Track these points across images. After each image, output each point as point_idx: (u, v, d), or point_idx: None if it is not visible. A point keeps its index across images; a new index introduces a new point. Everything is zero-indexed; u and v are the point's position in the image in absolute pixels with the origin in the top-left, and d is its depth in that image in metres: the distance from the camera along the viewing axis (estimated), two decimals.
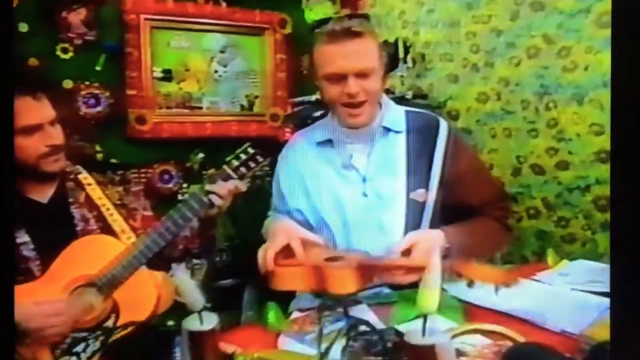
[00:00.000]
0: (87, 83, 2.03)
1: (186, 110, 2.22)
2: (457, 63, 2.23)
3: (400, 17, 2.43)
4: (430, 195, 1.12)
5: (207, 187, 1.08)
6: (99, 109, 2.05)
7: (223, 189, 1.07)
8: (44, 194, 1.15)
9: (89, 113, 2.04)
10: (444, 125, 1.18)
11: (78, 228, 1.11)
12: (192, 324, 0.70)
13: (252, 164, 1.10)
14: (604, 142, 1.77)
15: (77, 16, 2.01)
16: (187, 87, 2.22)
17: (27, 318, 0.90)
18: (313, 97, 2.05)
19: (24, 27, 1.94)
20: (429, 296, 0.58)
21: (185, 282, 0.70)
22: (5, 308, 0.61)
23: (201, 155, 2.23)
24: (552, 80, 1.89)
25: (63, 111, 1.25)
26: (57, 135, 1.11)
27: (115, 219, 1.12)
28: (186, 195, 2.20)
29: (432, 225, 1.13)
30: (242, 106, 2.35)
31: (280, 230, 1.02)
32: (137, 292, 1.00)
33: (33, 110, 1.06)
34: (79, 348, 0.89)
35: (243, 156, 1.11)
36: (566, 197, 1.86)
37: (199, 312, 0.70)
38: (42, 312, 0.92)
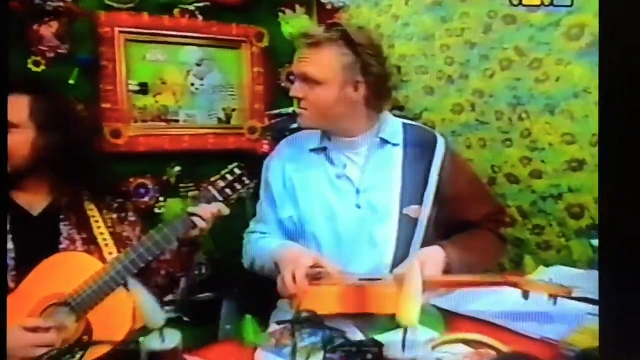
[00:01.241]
0: None
1: (163, 124, 2.18)
2: (432, 75, 2.26)
3: (376, 29, 2.46)
4: (425, 212, 1.11)
5: (190, 209, 1.05)
6: None
7: (207, 212, 1.05)
8: (36, 206, 1.10)
9: None
10: (441, 141, 1.19)
11: (62, 246, 1.07)
12: (153, 342, 0.66)
13: (238, 186, 1.08)
14: (576, 151, 1.80)
15: (48, 29, 1.96)
16: (164, 101, 2.19)
17: (16, 346, 0.85)
18: (290, 110, 2.04)
19: None
20: (410, 309, 0.56)
21: (143, 297, 0.66)
22: None
23: (178, 168, 2.19)
24: (524, 91, 1.93)
25: None
26: None
27: (107, 244, 1.08)
28: (164, 210, 2.15)
29: (424, 242, 1.12)
30: (219, 119, 2.32)
31: (298, 254, 0.99)
32: (112, 313, 0.96)
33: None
34: None
35: (229, 177, 1.09)
36: (540, 205, 1.88)
37: (160, 329, 0.66)
38: (32, 342, 0.87)
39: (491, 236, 1.17)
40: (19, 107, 1.09)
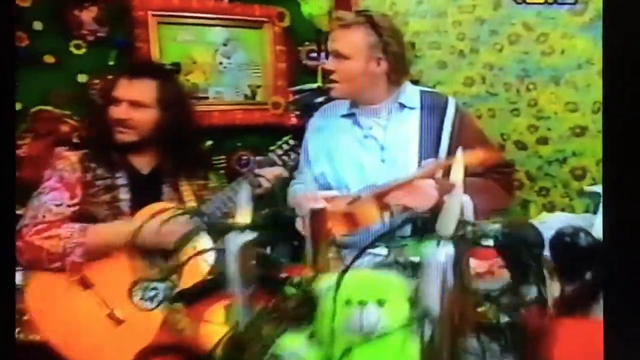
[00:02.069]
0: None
1: (193, 101, 2.33)
2: (444, 50, 2.39)
3: (391, 8, 2.57)
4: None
5: (257, 171, 1.24)
6: None
7: (270, 174, 1.23)
8: (145, 168, 1.37)
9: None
10: (452, 102, 1.36)
11: (162, 198, 1.29)
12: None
13: (292, 154, 1.27)
14: (578, 118, 1.95)
15: (88, 14, 2.10)
16: (194, 79, 2.33)
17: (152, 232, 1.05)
18: (315, 85, 2.19)
19: (38, 26, 2.02)
20: (448, 219, 0.61)
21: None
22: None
23: (209, 142, 2.35)
24: (531, 64, 2.07)
25: None
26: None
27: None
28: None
29: None
30: (245, 95, 2.47)
31: (305, 195, 1.17)
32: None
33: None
34: (151, 293, 1.03)
35: (285, 146, 1.27)
36: (546, 169, 2.05)
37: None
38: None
39: (494, 184, 1.33)
40: (148, 90, 1.29)
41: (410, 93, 1.41)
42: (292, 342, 0.48)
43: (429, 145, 1.31)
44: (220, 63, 2.39)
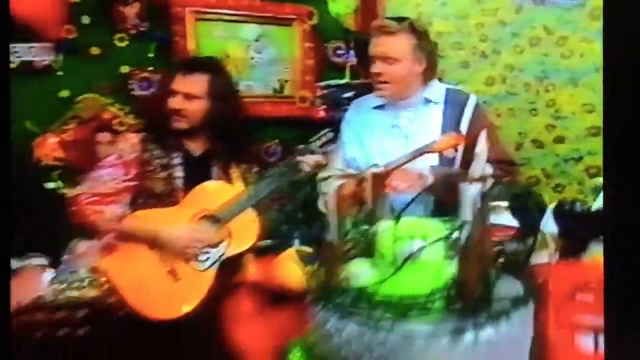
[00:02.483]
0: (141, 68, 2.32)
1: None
2: (467, 51, 2.52)
3: (415, 9, 2.71)
4: (458, 153, 1.43)
5: (299, 157, 1.41)
6: (151, 90, 2.34)
7: (310, 160, 1.40)
8: (197, 150, 1.56)
9: (142, 96, 2.32)
10: (472, 98, 1.51)
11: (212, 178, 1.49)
12: None
13: (330, 145, 1.44)
14: (595, 119, 2.08)
15: (131, 9, 2.28)
16: None
17: (179, 237, 1.23)
18: (342, 81, 2.34)
19: (86, 20, 2.20)
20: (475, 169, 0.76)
21: None
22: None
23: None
24: (550, 66, 2.19)
25: None
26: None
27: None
28: None
29: None
30: (274, 89, 2.62)
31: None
32: (245, 226, 1.32)
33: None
34: (203, 257, 1.20)
35: (324, 138, 1.44)
36: (562, 167, 2.18)
37: None
38: (194, 238, 1.25)
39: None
40: (200, 83, 1.46)
41: (436, 89, 1.57)
42: (358, 267, 0.63)
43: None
44: (252, 58, 2.55)
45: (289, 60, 2.63)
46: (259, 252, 1.08)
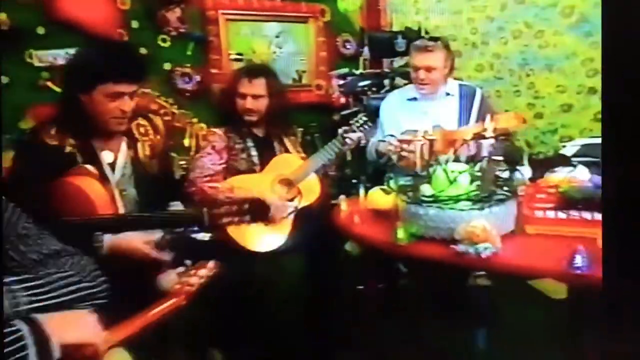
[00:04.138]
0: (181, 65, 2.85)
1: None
2: (459, 42, 3.13)
3: (414, 5, 3.31)
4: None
5: (344, 135, 2.00)
6: (192, 84, 2.88)
7: (354, 137, 2.00)
8: (260, 133, 2.16)
9: (184, 88, 2.87)
10: (479, 91, 2.14)
11: (276, 153, 2.09)
12: None
13: (366, 126, 2.04)
14: (566, 98, 2.75)
15: (173, 14, 2.80)
16: None
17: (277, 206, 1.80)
18: (358, 72, 2.95)
19: (135, 24, 2.71)
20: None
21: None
22: None
23: None
24: (530, 54, 2.84)
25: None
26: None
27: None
28: None
29: None
30: (293, 79, 3.18)
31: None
32: (310, 185, 1.94)
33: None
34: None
35: (361, 120, 2.03)
36: (541, 138, 2.85)
37: None
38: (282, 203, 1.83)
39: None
40: (261, 85, 2.03)
41: (452, 84, 2.19)
42: (426, 188, 1.26)
43: (464, 119, 2.10)
44: (274, 52, 3.10)
45: (306, 53, 3.20)
46: (348, 195, 1.68)
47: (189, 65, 2.85)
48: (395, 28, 3.21)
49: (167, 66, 2.80)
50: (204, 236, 1.74)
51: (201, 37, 2.86)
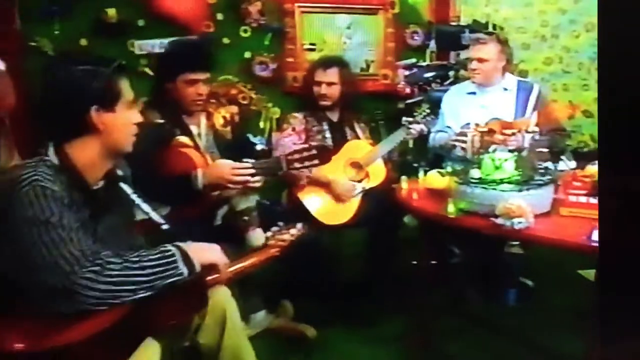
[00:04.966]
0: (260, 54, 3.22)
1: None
2: (529, 35, 3.28)
3: None
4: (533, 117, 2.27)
5: (409, 125, 2.28)
6: (268, 71, 3.26)
7: (417, 127, 2.28)
8: (333, 117, 2.51)
9: (261, 75, 3.26)
10: (536, 87, 2.33)
11: (349, 138, 2.43)
12: None
13: (428, 118, 2.31)
14: None
15: (254, 7, 3.16)
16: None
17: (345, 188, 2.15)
18: (424, 63, 3.19)
19: (220, 16, 3.11)
20: None
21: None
22: None
23: None
24: None
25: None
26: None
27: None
28: None
29: None
30: (361, 68, 3.47)
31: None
32: (377, 169, 2.26)
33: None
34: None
35: (424, 113, 2.31)
36: None
37: None
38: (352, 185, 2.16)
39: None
40: (335, 74, 2.36)
41: (510, 80, 2.39)
42: (474, 171, 1.54)
43: (519, 113, 2.30)
44: (344, 42, 3.40)
45: (374, 44, 3.46)
46: (409, 176, 1.99)
47: (266, 54, 3.22)
48: (463, 19, 3.37)
49: (247, 55, 3.18)
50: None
51: (278, 28, 3.21)
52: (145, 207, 1.31)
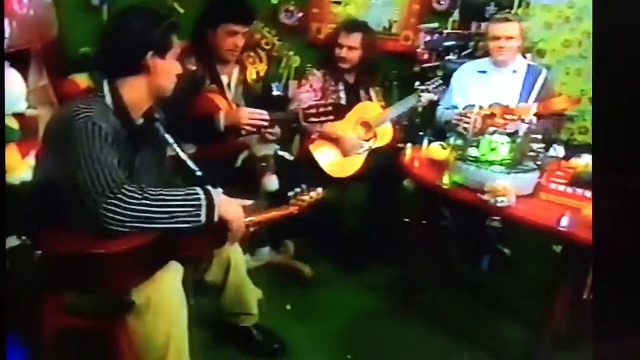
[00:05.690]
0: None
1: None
2: (553, 14, 3.36)
3: None
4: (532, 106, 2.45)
5: (420, 93, 2.44)
6: (293, 20, 3.37)
7: (428, 96, 2.44)
8: (349, 80, 2.64)
9: (286, 23, 3.37)
10: (544, 71, 2.48)
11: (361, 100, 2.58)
12: None
13: (440, 88, 2.46)
14: None
15: None
16: (349, 10, 3.47)
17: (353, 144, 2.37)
18: (446, 31, 3.30)
19: None
20: None
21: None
22: None
23: None
24: None
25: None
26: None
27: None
28: None
29: None
30: (384, 27, 3.57)
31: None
32: (385, 130, 2.46)
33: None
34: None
35: (435, 83, 2.46)
36: None
37: None
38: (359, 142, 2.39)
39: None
40: (357, 39, 2.47)
41: (520, 62, 2.52)
42: (472, 150, 1.75)
43: (524, 97, 2.45)
44: (371, 0, 3.51)
45: (399, 4, 3.55)
46: (413, 143, 2.19)
47: (293, 2, 3.32)
48: None
49: (274, 1, 3.29)
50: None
51: None
52: (175, 145, 1.51)
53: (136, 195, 1.26)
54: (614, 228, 1.02)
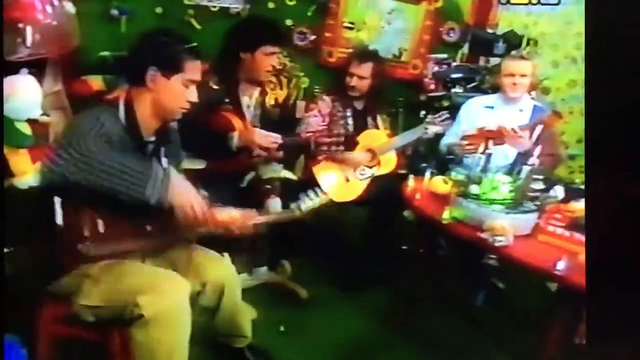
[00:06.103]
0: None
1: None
2: (560, 53, 3.45)
3: (526, 6, 3.60)
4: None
5: (426, 125, 2.51)
6: (305, 42, 3.45)
7: (434, 129, 2.50)
8: (363, 89, 2.73)
9: (298, 45, 3.45)
10: (548, 111, 2.56)
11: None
12: None
13: (446, 121, 2.53)
14: None
15: None
16: (361, 36, 3.55)
17: (356, 158, 2.43)
18: (454, 64, 3.38)
19: None
20: None
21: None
22: None
23: None
24: None
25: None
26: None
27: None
28: None
29: None
30: (394, 55, 3.66)
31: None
32: (389, 159, 2.52)
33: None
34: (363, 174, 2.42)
35: (443, 116, 2.53)
36: None
37: None
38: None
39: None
40: (368, 69, 2.60)
41: (527, 102, 2.61)
42: (474, 187, 1.80)
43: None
44: (383, 27, 3.57)
45: (411, 33, 3.63)
46: (416, 174, 2.25)
47: (307, 24, 3.40)
48: (501, 25, 3.55)
49: (288, 22, 3.37)
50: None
51: (323, 1, 3.37)
52: (186, 160, 1.57)
53: (93, 149, 1.31)
54: (608, 272, 1.07)
